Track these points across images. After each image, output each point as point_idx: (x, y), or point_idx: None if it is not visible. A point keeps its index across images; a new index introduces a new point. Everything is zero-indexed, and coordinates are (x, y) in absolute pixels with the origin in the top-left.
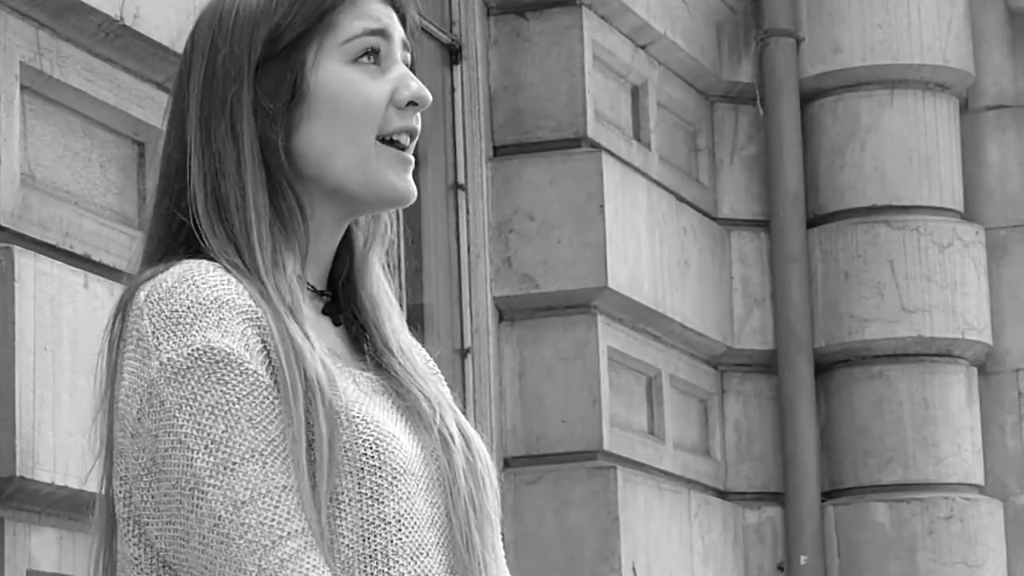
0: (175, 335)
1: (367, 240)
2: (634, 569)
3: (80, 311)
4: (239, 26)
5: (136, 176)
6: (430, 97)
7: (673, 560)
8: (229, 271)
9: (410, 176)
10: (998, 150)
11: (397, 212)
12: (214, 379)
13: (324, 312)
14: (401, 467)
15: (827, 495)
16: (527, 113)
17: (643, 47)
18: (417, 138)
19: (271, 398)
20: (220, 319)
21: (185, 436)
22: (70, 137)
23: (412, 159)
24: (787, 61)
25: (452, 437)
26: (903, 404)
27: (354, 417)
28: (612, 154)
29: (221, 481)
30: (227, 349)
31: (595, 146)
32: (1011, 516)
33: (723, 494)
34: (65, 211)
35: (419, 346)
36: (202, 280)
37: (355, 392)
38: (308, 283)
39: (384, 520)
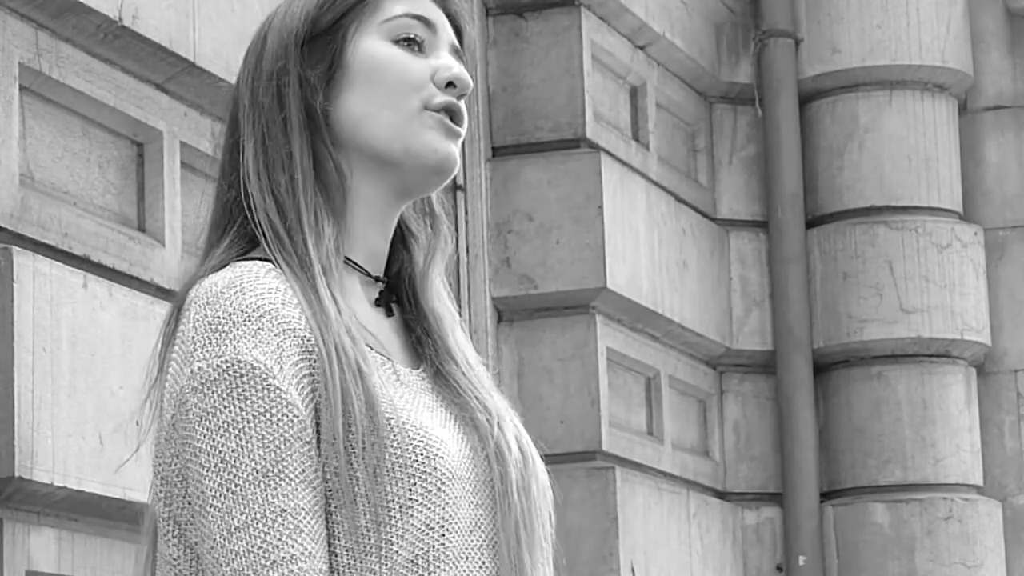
0: (209, 344)
1: (427, 256)
2: (633, 569)
3: (79, 312)
4: (289, 16)
5: (135, 176)
6: (471, 84)
7: (672, 560)
8: (281, 270)
9: (455, 144)
10: (997, 150)
11: (456, 229)
12: (235, 394)
13: (377, 302)
14: (449, 472)
15: (826, 495)
16: (526, 114)
17: (642, 48)
18: (464, 124)
19: (290, 416)
20: (258, 329)
21: (200, 451)
22: (69, 138)
23: (458, 129)
24: (786, 62)
25: (509, 450)
26: (902, 405)
27: (403, 423)
28: (611, 155)
29: (222, 503)
30: (254, 363)
31: (594, 147)
32: (1009, 516)
33: (722, 494)
34: (64, 212)
35: (481, 360)
36: (249, 287)
37: (401, 393)
38: (357, 264)
39: (428, 526)
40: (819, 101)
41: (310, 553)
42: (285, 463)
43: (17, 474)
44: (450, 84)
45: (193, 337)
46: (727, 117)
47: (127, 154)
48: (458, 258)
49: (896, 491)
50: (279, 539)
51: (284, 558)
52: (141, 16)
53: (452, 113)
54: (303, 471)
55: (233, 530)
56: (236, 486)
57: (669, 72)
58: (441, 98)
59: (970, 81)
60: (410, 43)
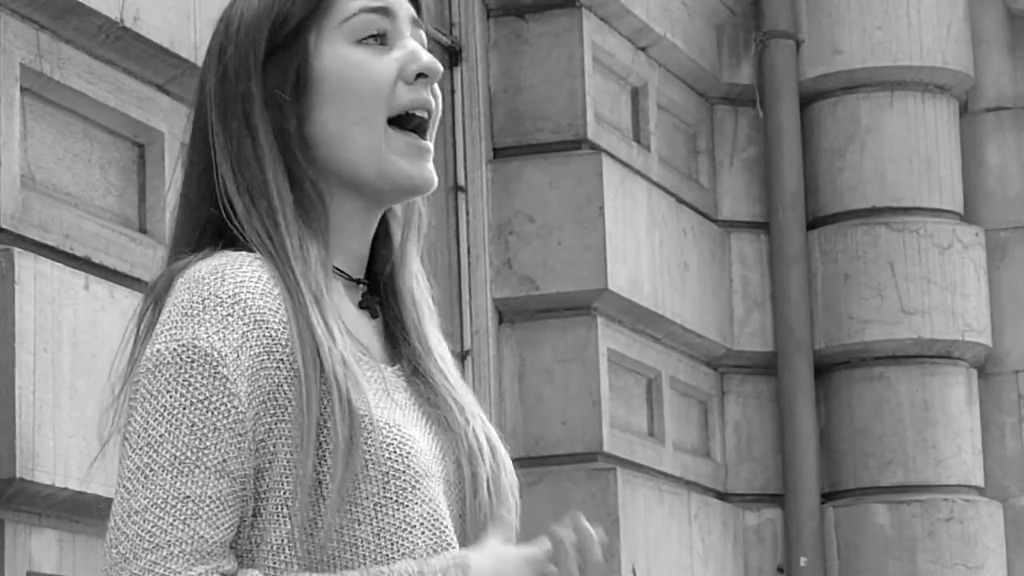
0: (175, 327)
1: (404, 232)
2: (634, 570)
3: (80, 313)
4: (244, 24)
5: (136, 178)
6: (440, 68)
7: (673, 562)
8: (264, 263)
9: (427, 163)
10: (998, 152)
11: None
12: (181, 379)
13: (361, 305)
14: (423, 470)
15: (827, 497)
16: (527, 115)
17: (643, 49)
18: (437, 114)
19: (228, 406)
20: (226, 316)
21: (131, 432)
22: (70, 139)
23: (428, 146)
24: (787, 63)
25: (480, 449)
26: (903, 406)
27: (378, 421)
28: (612, 156)
29: (132, 486)
30: (207, 349)
31: (595, 148)
32: (1011, 518)
33: (723, 496)
34: (65, 213)
35: (448, 346)
36: (231, 274)
37: (379, 392)
38: (341, 270)
39: (409, 524)
40: (820, 102)
41: (201, 538)
42: (206, 451)
43: (18, 475)
44: (420, 75)
45: (166, 319)
46: (728, 118)
47: (128, 155)
48: (459, 259)
49: (897, 492)
50: (171, 524)
51: (169, 542)
52: (142, 17)
53: (420, 106)
54: (223, 461)
55: (132, 513)
56: (151, 471)
57: (670, 73)
58: (408, 96)
59: (971, 82)
60: (374, 38)
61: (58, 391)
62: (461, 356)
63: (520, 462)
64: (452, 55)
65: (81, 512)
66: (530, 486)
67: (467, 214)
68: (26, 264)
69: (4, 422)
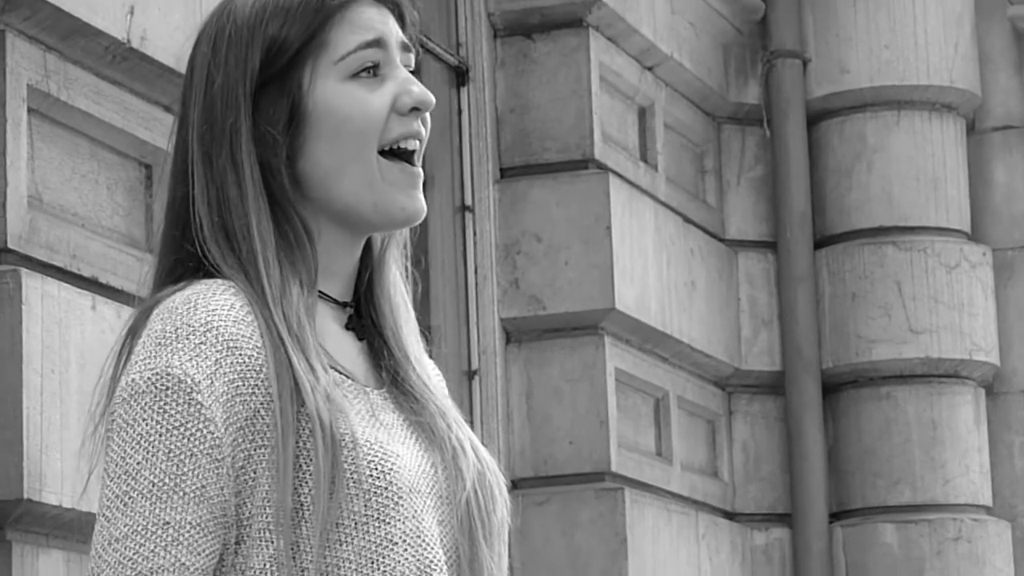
0: (149, 356)
1: (383, 242)
2: None
3: (87, 333)
4: (232, 51)
5: (143, 198)
6: (432, 99)
7: None
8: (238, 294)
9: (419, 192)
10: (1005, 171)
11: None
12: (156, 407)
13: (347, 327)
14: (407, 486)
15: (835, 516)
16: (534, 135)
17: (650, 68)
18: (425, 143)
19: (204, 431)
20: (199, 344)
21: (109, 461)
22: (77, 159)
23: (420, 173)
24: (794, 82)
25: (464, 451)
26: (911, 425)
27: (359, 439)
28: (619, 175)
29: (112, 514)
30: (181, 376)
31: (602, 167)
32: (1019, 537)
33: (731, 515)
34: (72, 233)
35: (427, 355)
36: (203, 303)
37: (363, 413)
38: (328, 295)
39: (391, 541)
40: (827, 121)
41: (183, 565)
42: (184, 477)
43: (26, 496)
44: (413, 108)
45: (140, 349)
46: (735, 138)
47: (135, 176)
48: (466, 279)
49: (905, 512)
50: (152, 551)
51: (151, 569)
52: (149, 38)
53: (411, 137)
54: (202, 487)
55: (113, 541)
56: (130, 498)
57: (677, 93)
58: (399, 129)
59: (978, 101)
60: (367, 71)
61: (65, 412)
62: (469, 376)
63: (528, 482)
64: (459, 75)
65: (88, 533)
66: (538, 506)
67: (474, 234)
68: (33, 285)
69: (11, 443)
